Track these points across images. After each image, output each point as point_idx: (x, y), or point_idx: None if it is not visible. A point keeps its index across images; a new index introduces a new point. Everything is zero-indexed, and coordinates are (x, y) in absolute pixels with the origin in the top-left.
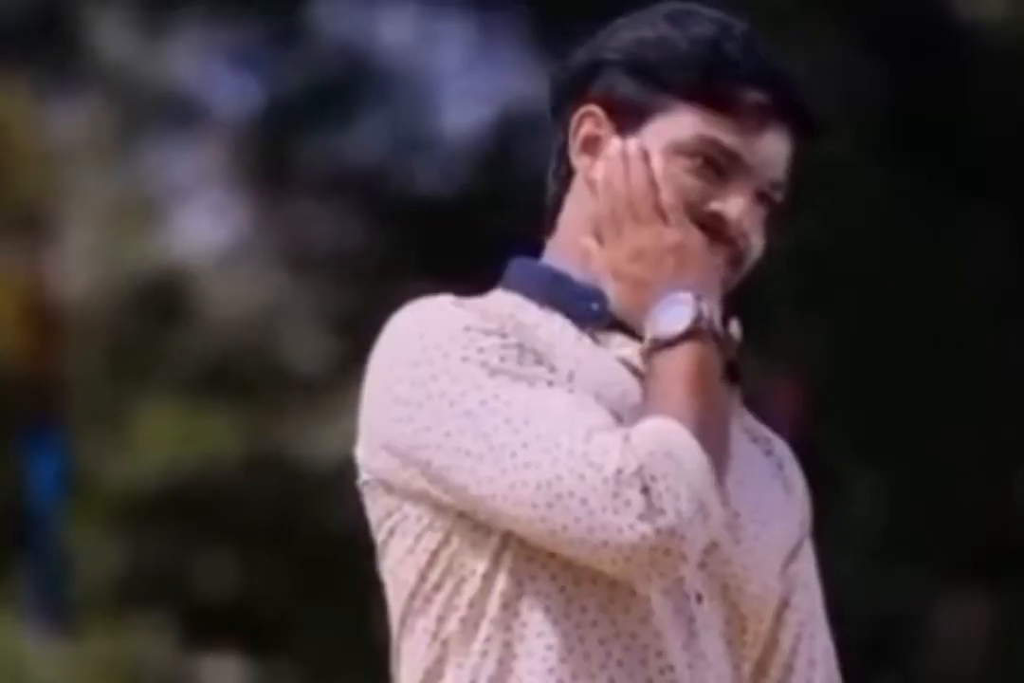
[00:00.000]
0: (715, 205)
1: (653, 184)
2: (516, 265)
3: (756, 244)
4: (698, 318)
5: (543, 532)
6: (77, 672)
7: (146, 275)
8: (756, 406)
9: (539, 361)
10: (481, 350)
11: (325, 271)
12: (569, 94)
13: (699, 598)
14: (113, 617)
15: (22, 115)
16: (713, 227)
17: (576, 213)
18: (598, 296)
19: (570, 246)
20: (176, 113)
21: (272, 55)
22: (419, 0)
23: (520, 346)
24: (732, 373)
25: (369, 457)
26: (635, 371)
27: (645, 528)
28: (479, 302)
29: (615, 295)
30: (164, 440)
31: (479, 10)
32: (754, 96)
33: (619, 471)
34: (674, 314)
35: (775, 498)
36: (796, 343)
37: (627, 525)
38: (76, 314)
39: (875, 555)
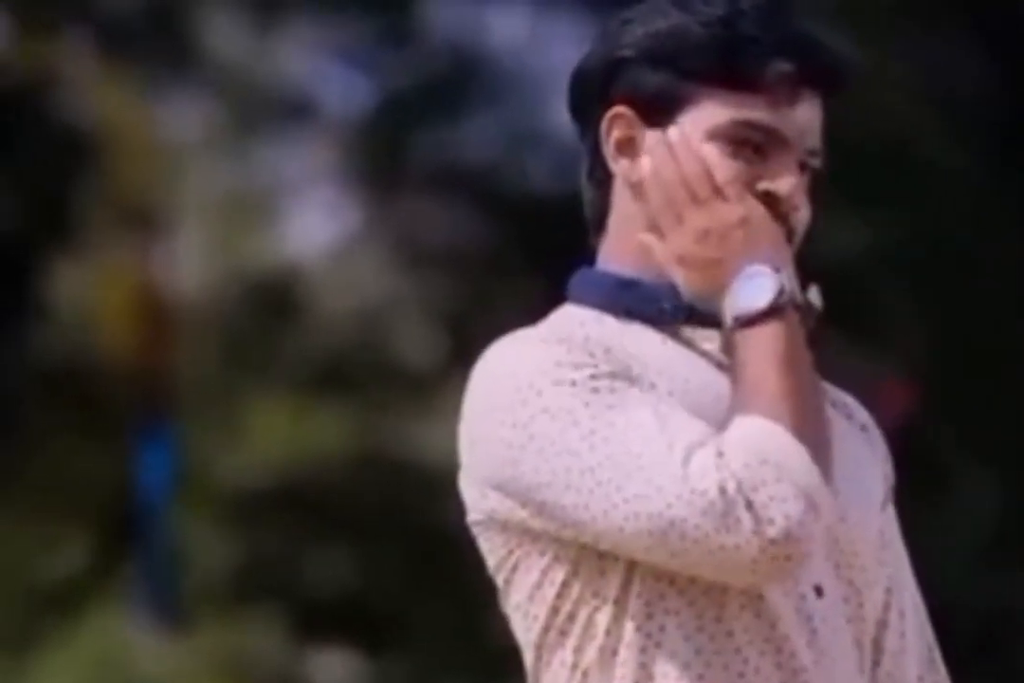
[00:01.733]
0: (764, 184)
1: (704, 164)
2: (580, 276)
3: (805, 215)
4: (780, 291)
5: (665, 558)
6: (188, 667)
7: (258, 271)
8: (867, 403)
9: (631, 380)
10: (573, 383)
11: (435, 268)
12: (592, 96)
13: (819, 591)
14: (224, 612)
15: (136, 113)
16: (765, 205)
17: (624, 216)
18: (667, 294)
19: (625, 249)
20: (288, 111)
21: (384, 53)
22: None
23: (611, 373)
24: (809, 340)
25: (479, 497)
26: (721, 365)
27: (760, 541)
28: (559, 326)
29: (686, 283)
30: (275, 435)
31: (590, 7)
32: (779, 68)
33: (721, 491)
34: (754, 289)
35: (866, 465)
36: (907, 341)
37: (743, 542)
38: (188, 310)
39: (984, 551)
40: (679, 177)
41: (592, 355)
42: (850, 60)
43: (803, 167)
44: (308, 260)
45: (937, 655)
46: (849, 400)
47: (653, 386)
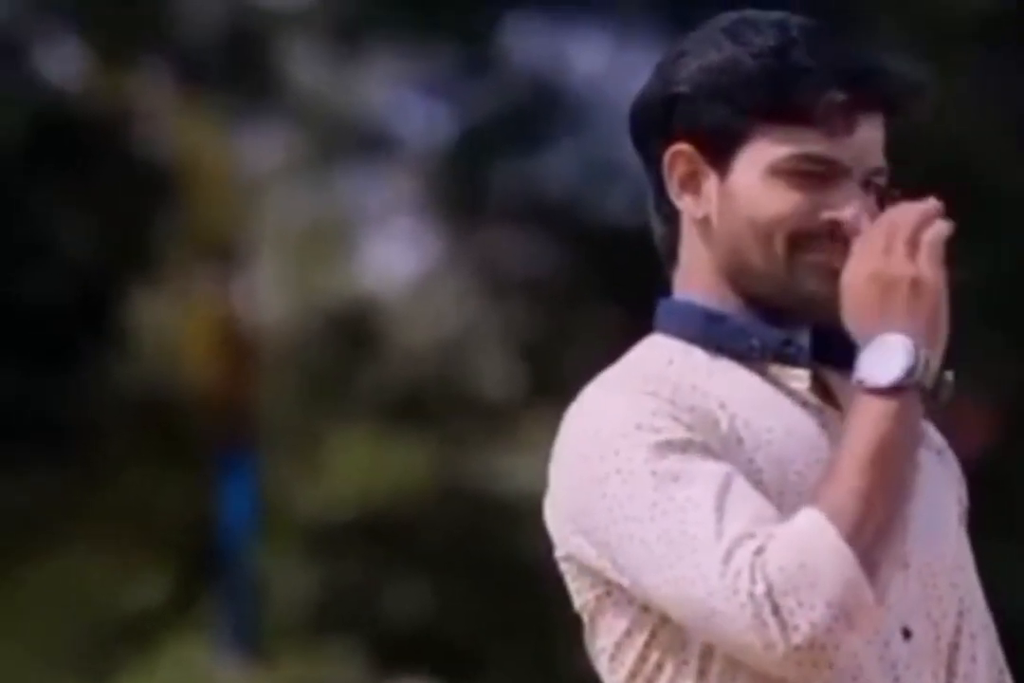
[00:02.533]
0: (828, 213)
1: (920, 218)
2: (668, 307)
3: None
4: (910, 372)
5: (710, 639)
6: None
7: (338, 303)
8: (946, 427)
9: (706, 449)
10: (648, 449)
11: (515, 298)
12: (652, 131)
13: (907, 633)
14: (303, 644)
15: (216, 145)
16: (831, 233)
17: (695, 251)
18: (757, 331)
19: (702, 284)
20: (367, 142)
21: (464, 83)
22: (611, 29)
23: (687, 440)
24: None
25: (564, 536)
26: (807, 405)
27: (785, 647)
28: (649, 366)
29: (844, 307)
30: (354, 467)
31: (670, 39)
32: (833, 98)
33: (751, 594)
34: (886, 359)
35: (942, 489)
36: (991, 369)
37: (769, 643)
38: (268, 342)
39: None
40: (893, 222)
41: (675, 417)
42: (909, 80)
43: (867, 186)
44: (387, 291)
45: (1008, 679)
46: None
47: (740, 441)
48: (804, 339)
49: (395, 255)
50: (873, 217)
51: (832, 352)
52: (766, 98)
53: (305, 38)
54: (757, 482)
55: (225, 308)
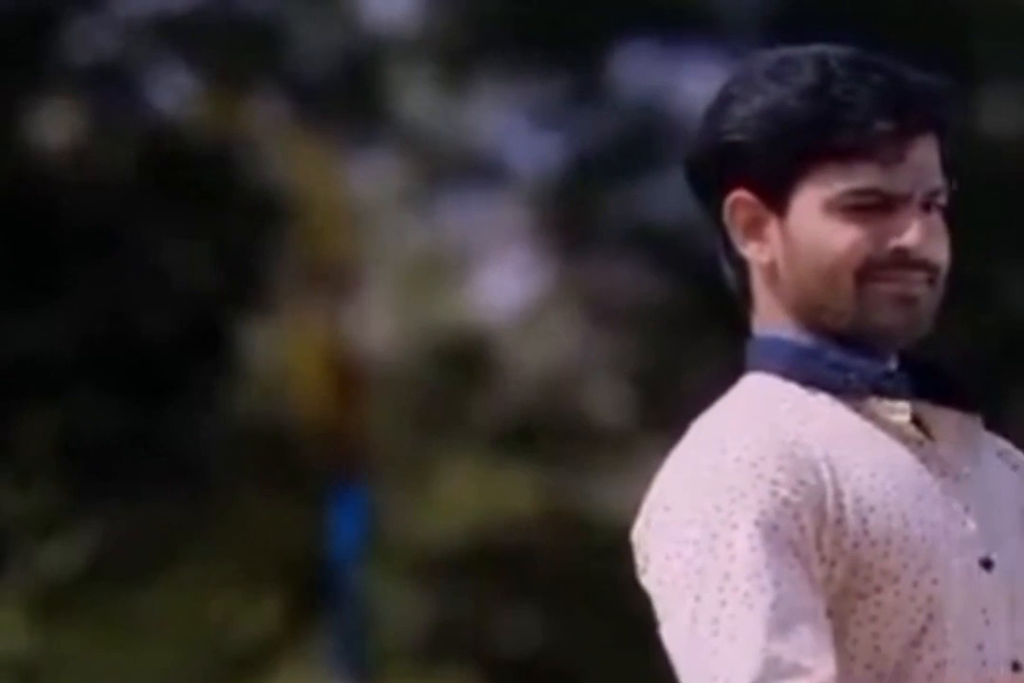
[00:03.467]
0: (892, 242)
1: None
2: (759, 346)
3: (942, 256)
4: None
5: None
6: None
7: (448, 331)
8: None
9: (794, 549)
10: (737, 527)
11: (626, 327)
12: (709, 181)
13: (1016, 666)
14: (414, 671)
15: (327, 173)
16: (899, 260)
17: (768, 295)
18: (854, 363)
19: (780, 324)
20: (477, 170)
21: (574, 112)
22: (721, 55)
23: (769, 536)
24: (966, 401)
25: (639, 566)
26: (906, 438)
27: None
28: (760, 415)
29: None
30: (465, 495)
31: None
32: (880, 129)
33: None
34: None
35: (1013, 507)
36: None
37: None
38: (379, 370)
39: None
40: None
41: (775, 485)
42: (950, 96)
43: (927, 207)
44: (498, 319)
45: None
46: (1003, 443)
47: (839, 494)
48: (894, 370)
49: (505, 283)
50: (938, 237)
51: (923, 383)
52: (813, 138)
53: (416, 67)
54: (862, 532)
55: (336, 337)
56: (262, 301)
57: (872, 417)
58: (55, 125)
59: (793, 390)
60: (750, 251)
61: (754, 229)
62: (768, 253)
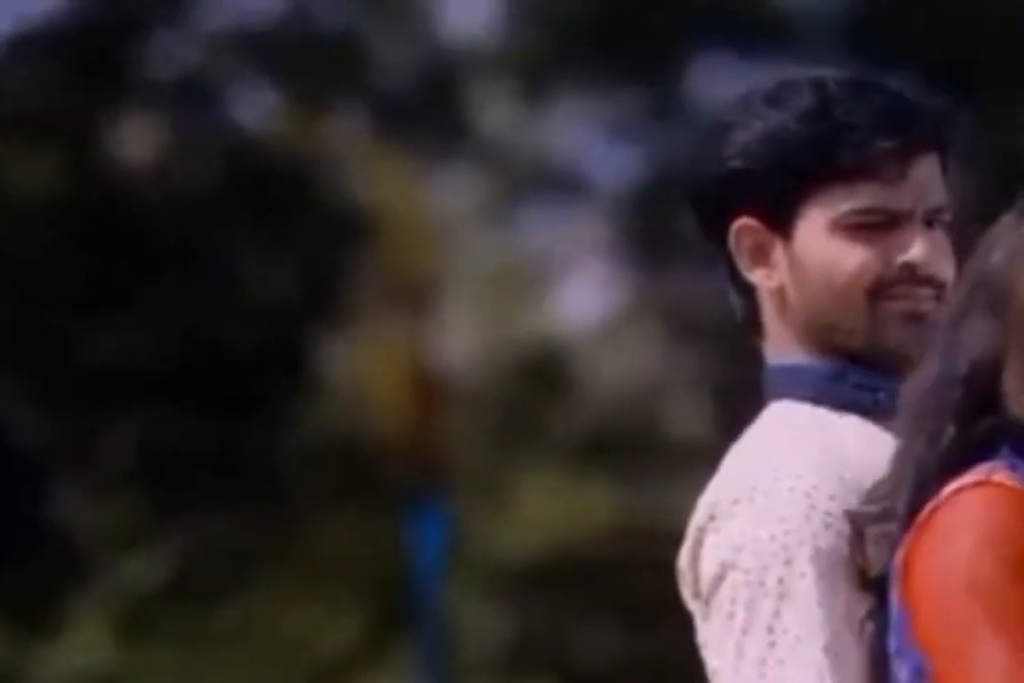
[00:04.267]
0: (899, 258)
1: None
2: (780, 373)
3: (948, 272)
4: None
5: None
6: None
7: (528, 345)
8: None
9: (848, 584)
10: (779, 581)
11: (705, 340)
12: (712, 208)
13: None
14: None
15: (408, 189)
16: (908, 277)
17: (779, 321)
18: (882, 384)
19: (793, 349)
20: (557, 184)
21: (653, 125)
22: (799, 67)
23: (823, 574)
24: None
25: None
26: None
27: None
28: (800, 447)
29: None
30: (545, 509)
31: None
32: (883, 146)
33: None
34: None
35: None
36: None
37: None
38: (458, 385)
39: None
40: None
41: (827, 525)
42: (948, 114)
43: (930, 224)
44: (577, 333)
45: None
46: None
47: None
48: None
49: (585, 296)
50: (943, 253)
51: None
52: (815, 161)
53: (495, 81)
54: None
55: (416, 352)
56: (342, 316)
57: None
58: (138, 140)
59: (824, 415)
60: (757, 277)
61: (760, 255)
62: (776, 278)
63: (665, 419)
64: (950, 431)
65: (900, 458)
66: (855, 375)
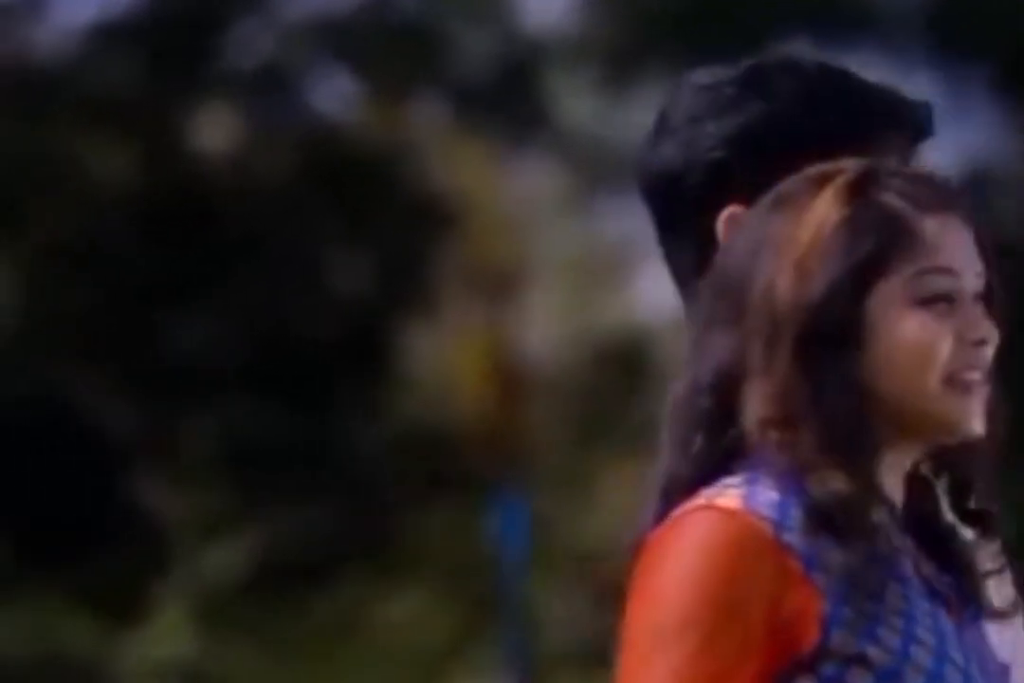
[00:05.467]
0: None
1: None
2: None
3: None
4: None
5: None
6: None
7: (610, 334)
8: None
9: None
10: None
11: None
12: (682, 203)
13: None
14: (580, 673)
15: (489, 177)
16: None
17: None
18: None
19: None
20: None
21: None
22: (885, 53)
23: None
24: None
25: None
26: None
27: None
28: None
29: None
30: (626, 498)
31: (946, 64)
32: (879, 133)
33: None
34: None
35: None
36: None
37: None
38: (540, 374)
39: None
40: None
41: None
42: (929, 105)
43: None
44: (661, 322)
45: None
46: None
47: None
48: None
49: (666, 285)
50: None
51: None
52: (808, 149)
53: (576, 69)
54: None
55: (498, 341)
56: (423, 306)
57: None
58: (217, 130)
59: None
60: None
61: None
62: None
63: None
64: (699, 441)
65: (655, 468)
66: None
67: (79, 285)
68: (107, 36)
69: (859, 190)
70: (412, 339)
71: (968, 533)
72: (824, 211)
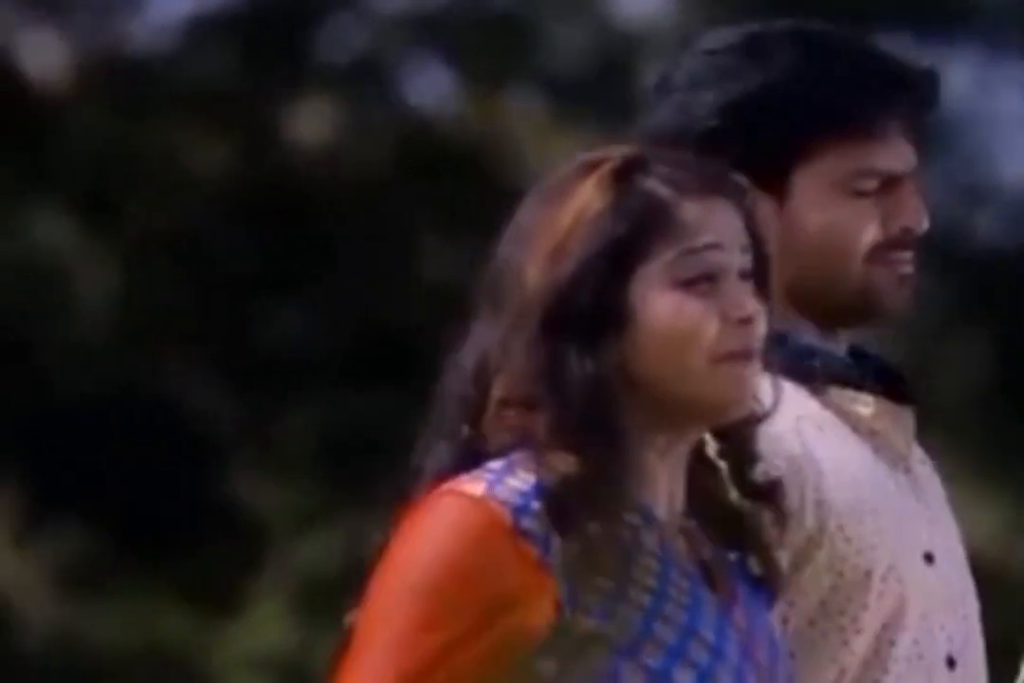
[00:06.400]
0: (898, 222)
1: None
2: None
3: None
4: None
5: None
6: None
7: None
8: None
9: None
10: None
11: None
12: None
13: (951, 662)
14: None
15: None
16: (901, 240)
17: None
18: (818, 352)
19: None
20: None
21: None
22: (979, 45)
23: None
24: (909, 394)
25: None
26: (873, 433)
27: None
28: None
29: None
30: None
31: None
32: (881, 108)
33: None
34: None
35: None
36: None
37: None
38: None
39: None
40: None
41: None
42: (935, 72)
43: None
44: None
45: None
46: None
47: (816, 492)
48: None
49: None
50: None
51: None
52: (811, 121)
53: (671, 61)
54: (838, 532)
55: None
56: None
57: (831, 405)
58: (312, 122)
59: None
60: None
61: None
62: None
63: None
64: (464, 430)
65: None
66: (800, 340)
67: (177, 278)
68: (204, 29)
69: (623, 177)
70: None
71: (752, 506)
72: (586, 198)
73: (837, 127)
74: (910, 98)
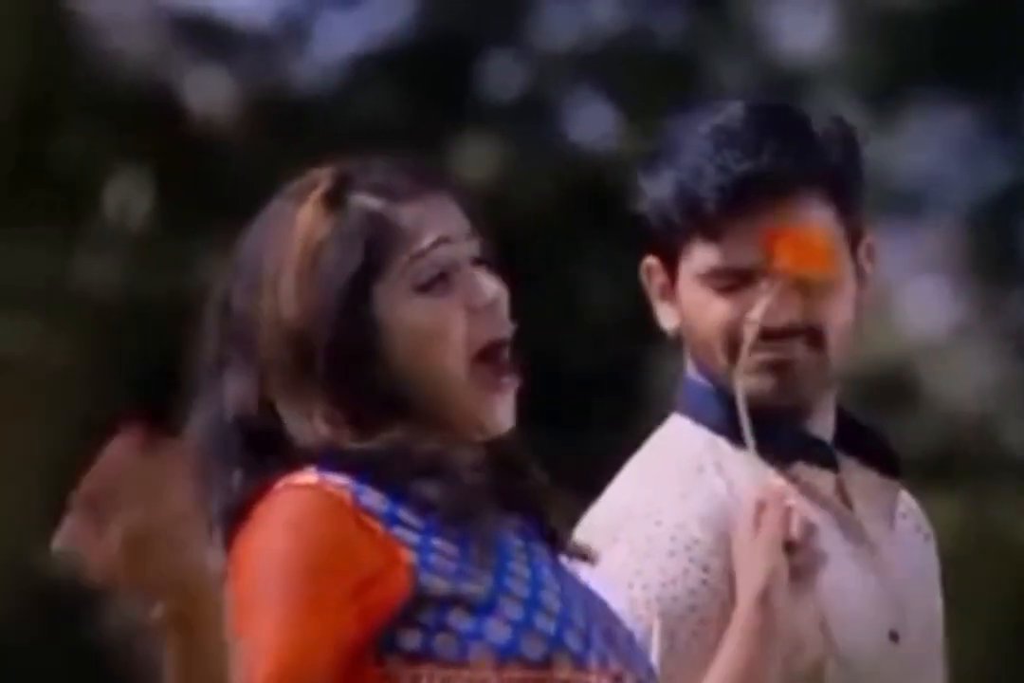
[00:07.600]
0: (748, 315)
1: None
2: (691, 390)
3: (814, 313)
4: None
5: None
6: None
7: (872, 363)
8: None
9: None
10: None
11: None
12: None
13: None
14: None
15: None
16: (760, 332)
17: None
18: (782, 429)
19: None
20: (897, 200)
21: (994, 141)
22: None
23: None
24: (892, 466)
25: None
26: (829, 505)
27: None
28: (685, 471)
29: None
30: None
31: None
32: (726, 205)
33: None
34: None
35: (933, 577)
36: None
37: None
38: None
39: None
40: None
41: (704, 581)
42: (789, 174)
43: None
44: (921, 350)
45: None
46: (908, 502)
47: None
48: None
49: (927, 313)
50: (792, 304)
51: (853, 442)
52: (679, 216)
53: (834, 97)
54: None
55: None
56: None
57: (795, 480)
58: (476, 159)
59: (716, 444)
60: (664, 312)
61: (662, 294)
62: (671, 318)
63: (1007, 437)
64: (238, 476)
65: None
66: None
67: None
68: (368, 67)
69: (334, 198)
70: (673, 369)
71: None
72: (307, 228)
73: (688, 222)
74: (750, 200)
